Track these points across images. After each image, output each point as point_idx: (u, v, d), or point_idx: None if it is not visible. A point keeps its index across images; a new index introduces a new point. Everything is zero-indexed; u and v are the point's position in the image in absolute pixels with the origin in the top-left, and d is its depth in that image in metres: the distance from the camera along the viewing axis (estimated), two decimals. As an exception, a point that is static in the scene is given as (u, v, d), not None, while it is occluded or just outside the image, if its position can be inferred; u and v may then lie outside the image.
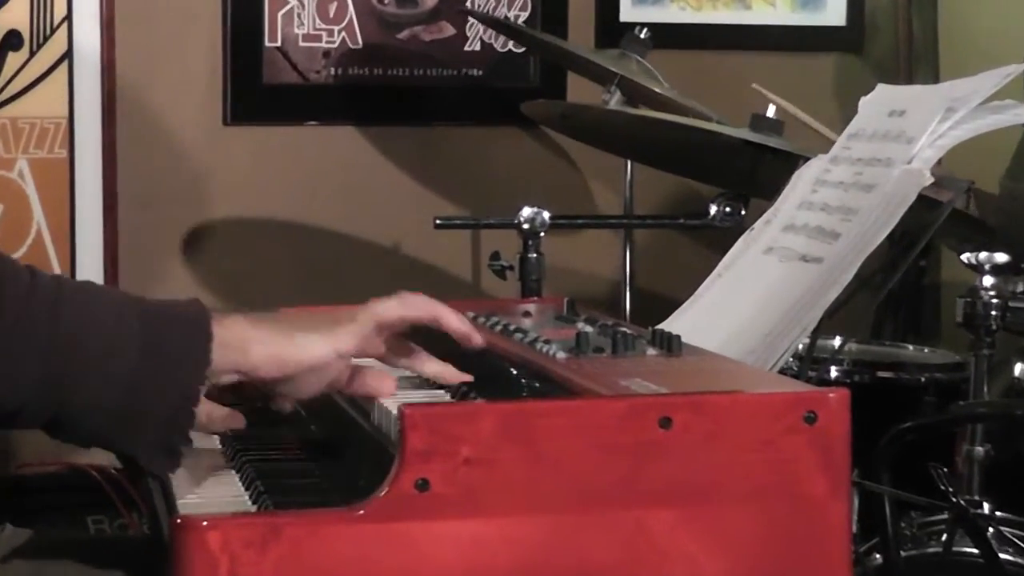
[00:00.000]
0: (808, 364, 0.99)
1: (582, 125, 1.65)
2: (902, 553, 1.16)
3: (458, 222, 1.72)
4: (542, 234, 1.40)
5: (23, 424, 0.73)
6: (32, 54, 1.75)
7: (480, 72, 1.95)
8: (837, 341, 1.40)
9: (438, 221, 1.50)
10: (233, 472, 0.83)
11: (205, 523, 0.67)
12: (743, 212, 1.39)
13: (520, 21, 1.93)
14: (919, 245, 1.05)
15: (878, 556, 1.17)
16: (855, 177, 1.02)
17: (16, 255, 1.75)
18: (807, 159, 1.12)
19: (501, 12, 1.94)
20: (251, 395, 0.87)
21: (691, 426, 0.71)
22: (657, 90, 1.54)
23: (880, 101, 1.09)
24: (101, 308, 0.73)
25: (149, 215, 1.84)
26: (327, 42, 1.89)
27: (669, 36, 1.87)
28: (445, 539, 0.69)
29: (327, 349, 0.76)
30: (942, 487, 1.10)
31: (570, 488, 0.70)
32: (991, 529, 1.17)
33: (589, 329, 0.89)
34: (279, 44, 1.88)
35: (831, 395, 0.73)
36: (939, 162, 0.98)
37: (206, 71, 1.86)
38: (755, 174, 1.37)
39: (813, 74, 2.04)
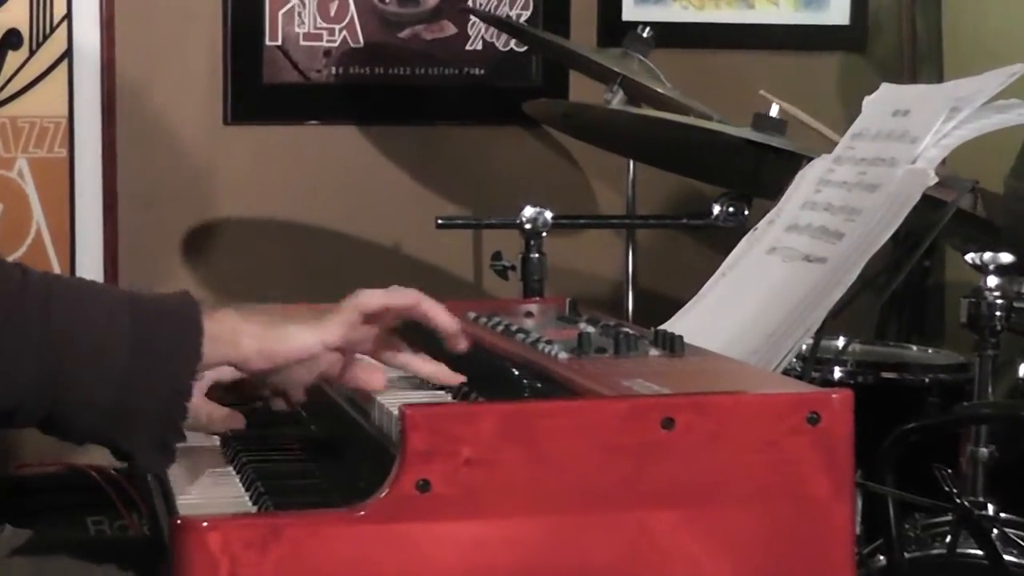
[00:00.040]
0: (812, 365, 0.99)
1: (584, 124, 1.65)
2: (906, 555, 1.16)
3: (460, 222, 1.72)
4: (544, 234, 1.40)
5: (19, 423, 0.73)
6: (32, 53, 1.75)
7: (482, 71, 1.95)
8: (841, 342, 1.40)
9: (440, 221, 1.49)
10: (233, 473, 0.84)
11: (205, 524, 0.67)
12: (746, 212, 1.39)
13: (522, 20, 1.93)
14: (923, 245, 1.05)
15: (882, 558, 1.17)
16: (859, 177, 1.02)
17: (16, 255, 1.75)
18: (810, 159, 1.12)
19: (503, 11, 1.93)
20: (251, 395, 0.86)
21: (694, 427, 0.71)
22: (659, 90, 1.54)
23: (884, 101, 1.08)
24: (92, 305, 0.73)
25: (149, 215, 1.84)
26: (328, 41, 1.89)
27: (672, 35, 1.86)
28: (446, 540, 0.69)
29: (314, 340, 0.76)
30: (946, 488, 1.09)
31: (572, 489, 0.70)
32: (995, 530, 1.16)
33: (591, 329, 0.89)
34: (280, 43, 1.87)
35: (834, 396, 0.73)
36: (944, 162, 0.98)
37: (206, 70, 1.86)
38: (758, 174, 1.37)
39: (816, 73, 2.03)
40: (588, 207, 1.98)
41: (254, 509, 0.76)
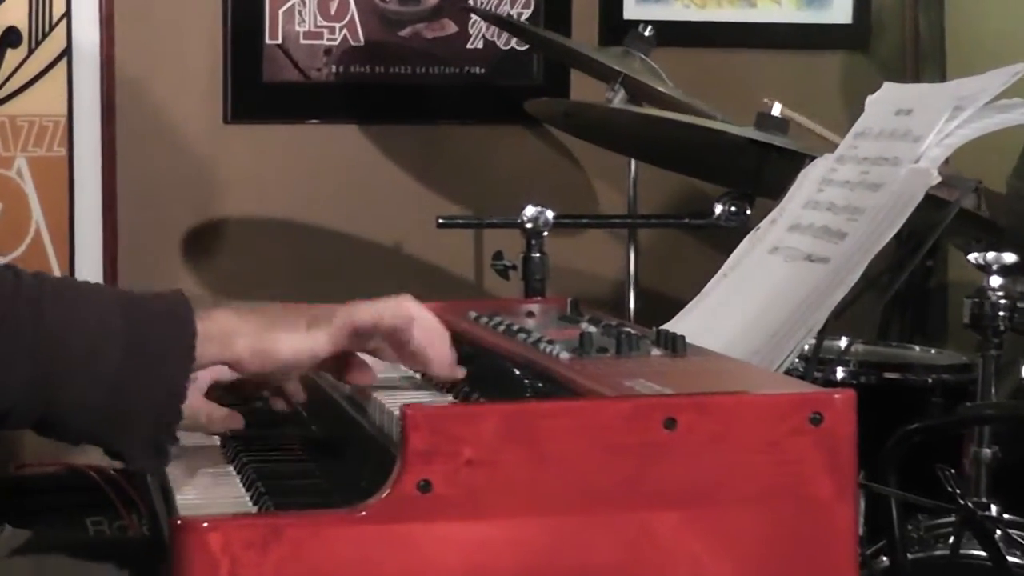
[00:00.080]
0: (814, 365, 0.98)
1: (586, 124, 1.64)
2: (909, 556, 1.16)
3: (461, 221, 1.72)
4: (545, 234, 1.40)
5: (12, 425, 0.73)
6: (31, 51, 1.75)
7: (483, 70, 1.95)
8: (843, 342, 1.40)
9: (441, 220, 1.49)
10: (234, 473, 0.83)
11: (205, 524, 0.67)
12: (748, 212, 1.38)
13: (523, 18, 1.93)
14: (926, 245, 1.04)
15: (885, 559, 1.16)
16: (862, 176, 1.01)
17: (15, 255, 1.75)
18: (813, 158, 1.11)
19: (504, 9, 1.93)
20: (251, 395, 0.86)
21: (696, 427, 0.71)
22: (661, 88, 1.53)
23: (887, 100, 1.08)
24: (84, 306, 0.73)
25: (149, 214, 1.84)
26: (328, 40, 1.89)
27: (673, 34, 1.86)
28: (447, 541, 0.69)
29: (304, 349, 0.77)
30: (949, 489, 1.09)
31: (574, 489, 0.70)
32: (999, 531, 1.16)
33: (593, 329, 0.89)
34: (280, 41, 1.87)
35: (837, 396, 0.73)
36: (947, 161, 0.98)
37: (206, 69, 1.86)
38: (760, 173, 1.37)
39: (819, 72, 2.03)
40: (590, 207, 1.98)
41: (254, 509, 0.76)
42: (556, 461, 0.70)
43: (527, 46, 1.93)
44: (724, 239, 1.27)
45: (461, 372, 0.81)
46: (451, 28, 1.93)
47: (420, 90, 1.93)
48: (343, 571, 0.68)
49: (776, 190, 1.13)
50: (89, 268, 1.77)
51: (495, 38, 1.95)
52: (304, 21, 1.88)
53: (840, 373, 1.38)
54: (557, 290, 1.40)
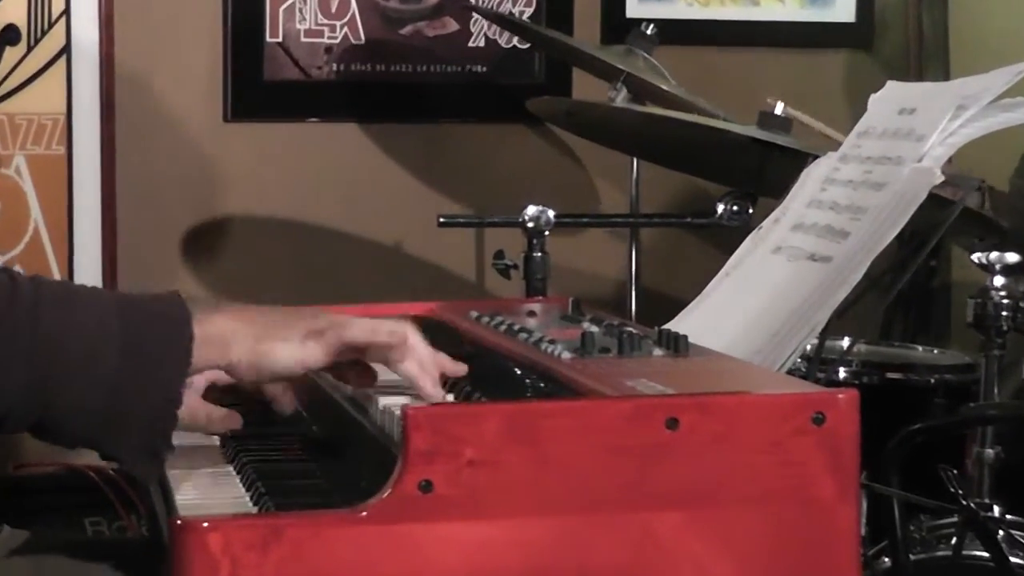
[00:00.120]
0: (816, 365, 0.98)
1: (588, 122, 1.64)
2: (911, 557, 1.15)
3: (462, 220, 1.71)
4: (547, 233, 1.40)
5: (9, 429, 0.73)
6: (30, 49, 1.74)
7: (484, 69, 1.94)
8: (846, 342, 1.39)
9: (442, 219, 1.49)
10: (234, 473, 0.83)
11: (206, 524, 0.67)
12: (751, 211, 1.38)
13: (525, 17, 1.92)
14: (929, 245, 1.04)
15: (887, 560, 1.16)
16: (865, 175, 1.01)
17: (13, 253, 1.75)
18: (816, 157, 1.11)
19: (505, 8, 1.93)
20: (251, 395, 0.86)
21: (698, 427, 0.71)
22: (664, 87, 1.53)
23: (890, 98, 1.08)
24: (81, 310, 0.73)
25: (148, 213, 1.84)
26: (329, 38, 1.89)
27: (676, 32, 1.86)
28: (449, 541, 0.69)
29: (298, 360, 0.77)
30: (952, 490, 1.09)
31: (575, 490, 0.70)
32: (1001, 532, 1.15)
33: (595, 329, 0.88)
34: (280, 40, 1.87)
35: (840, 396, 0.73)
36: (950, 160, 0.97)
37: (206, 67, 1.85)
38: (763, 172, 1.36)
39: (822, 71, 2.02)
40: (591, 206, 1.97)
41: (255, 509, 0.76)
42: (558, 461, 0.69)
43: (529, 45, 1.92)
44: (726, 238, 1.26)
45: (440, 396, 0.80)
46: (452, 26, 1.93)
47: (421, 89, 1.93)
48: (344, 571, 0.67)
49: (779, 189, 1.12)
50: (88, 267, 1.77)
51: (497, 36, 1.94)
52: (305, 19, 1.87)
53: (842, 373, 1.37)
54: (559, 290, 1.40)
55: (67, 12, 1.75)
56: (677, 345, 0.84)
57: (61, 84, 1.75)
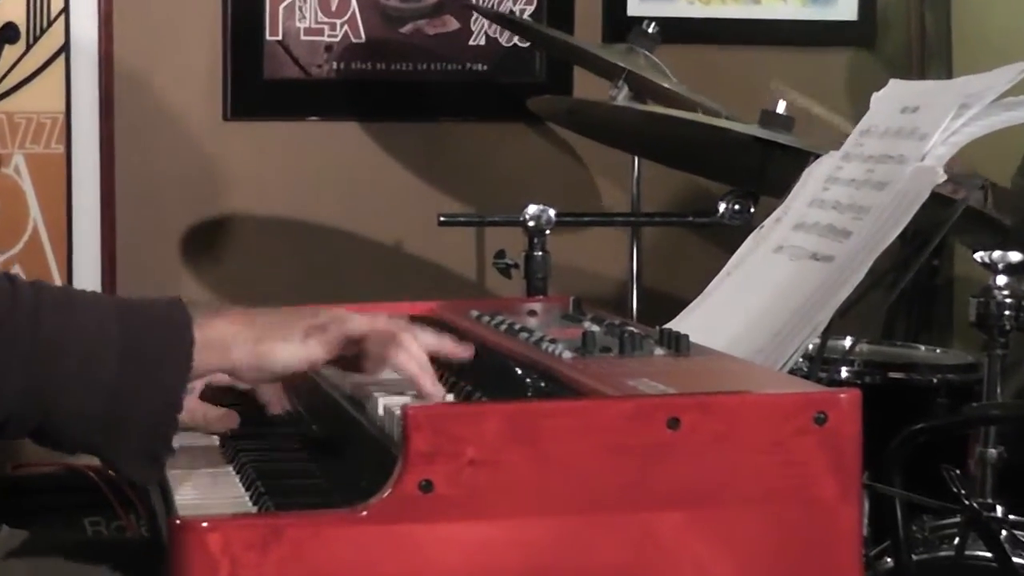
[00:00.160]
0: (818, 364, 0.98)
1: (589, 121, 1.64)
2: (913, 557, 1.15)
3: (462, 219, 1.71)
4: (548, 232, 1.39)
5: (9, 435, 0.73)
6: (29, 47, 1.74)
7: (485, 67, 1.94)
8: (848, 341, 1.39)
9: (442, 218, 1.49)
10: (233, 472, 0.83)
11: (205, 524, 0.67)
12: (752, 210, 1.38)
13: (526, 15, 1.92)
14: (932, 244, 1.04)
15: (889, 560, 1.16)
16: (867, 174, 1.01)
17: (12, 253, 1.75)
18: (818, 156, 1.10)
19: (506, 7, 1.92)
20: (248, 394, 0.86)
21: (699, 427, 0.71)
22: (666, 85, 1.53)
23: (893, 97, 1.08)
24: (81, 315, 0.73)
25: (147, 211, 1.83)
26: (329, 36, 1.88)
27: (678, 31, 1.85)
28: (449, 541, 0.68)
29: (300, 358, 0.77)
30: (954, 490, 1.08)
31: (577, 490, 0.69)
32: (1004, 532, 1.15)
33: (596, 328, 0.88)
34: (280, 38, 1.86)
35: (842, 395, 0.73)
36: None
37: (206, 65, 1.85)
38: (765, 171, 1.36)
39: (824, 69, 2.02)
40: (592, 205, 1.97)
41: (254, 509, 0.75)
42: (559, 461, 0.69)
43: (529, 43, 1.92)
44: (728, 238, 1.26)
45: (440, 394, 0.79)
46: (453, 25, 1.92)
47: (421, 87, 1.92)
48: (344, 572, 0.67)
49: (780, 188, 1.12)
50: (87, 266, 1.77)
51: (497, 35, 1.94)
52: (305, 17, 1.87)
53: (844, 373, 1.37)
54: (559, 289, 1.40)
55: (66, 10, 1.75)
56: (678, 344, 0.84)
57: (60, 82, 1.75)
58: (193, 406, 0.80)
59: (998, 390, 1.25)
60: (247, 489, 0.79)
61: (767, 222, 1.07)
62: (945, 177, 0.95)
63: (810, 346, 0.94)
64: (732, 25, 2.00)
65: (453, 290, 1.89)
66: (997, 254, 1.22)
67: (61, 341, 0.71)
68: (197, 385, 0.82)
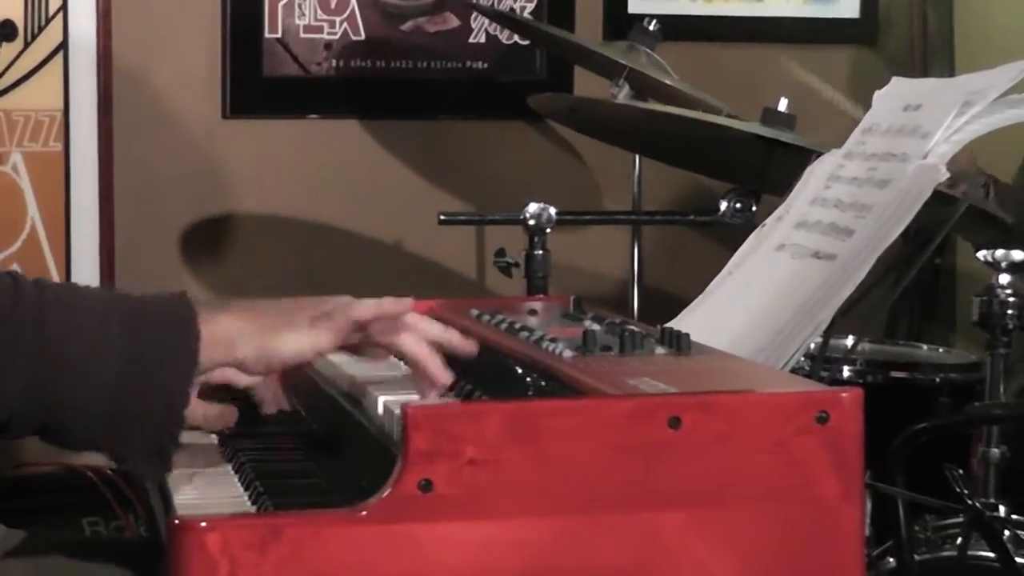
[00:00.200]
0: (820, 363, 0.97)
1: (590, 119, 1.63)
2: (916, 557, 1.14)
3: (463, 218, 1.71)
4: (548, 230, 1.39)
5: (13, 434, 0.73)
6: (27, 45, 1.74)
7: (485, 65, 1.94)
8: (850, 340, 1.39)
9: (442, 217, 1.48)
10: (232, 472, 0.83)
11: (204, 524, 0.66)
12: (754, 208, 1.37)
13: (526, 13, 1.91)
14: (934, 242, 1.03)
15: (892, 560, 1.15)
16: (869, 173, 1.01)
17: (10, 251, 1.74)
18: (820, 154, 1.10)
19: (506, 5, 1.92)
20: (246, 391, 0.85)
21: (701, 426, 0.70)
22: (668, 82, 1.52)
23: (895, 95, 1.07)
24: (84, 313, 0.72)
25: (146, 210, 1.83)
26: (328, 33, 1.88)
27: (679, 28, 1.85)
28: (449, 541, 0.68)
29: (308, 348, 0.77)
30: (957, 489, 1.08)
31: (577, 489, 0.69)
32: (1007, 532, 1.15)
33: (596, 327, 0.88)
34: (279, 35, 1.86)
35: (844, 395, 0.72)
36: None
37: (205, 63, 1.85)
38: (767, 169, 1.36)
39: (826, 67, 2.01)
40: (593, 203, 1.97)
41: (253, 509, 0.75)
42: (559, 461, 0.69)
43: (530, 41, 1.91)
44: (729, 236, 1.26)
45: (446, 379, 0.79)
46: (453, 22, 1.92)
47: (421, 85, 1.92)
48: (343, 572, 0.67)
49: (782, 187, 1.12)
50: (85, 264, 1.77)
51: (498, 33, 1.93)
52: (304, 15, 1.87)
53: (846, 372, 1.37)
54: (560, 288, 1.40)
55: (64, 7, 1.74)
56: (680, 343, 0.84)
57: (58, 80, 1.75)
58: (192, 404, 0.80)
59: (1001, 389, 1.24)
60: (246, 489, 0.78)
61: (769, 220, 1.07)
62: (948, 175, 0.95)
63: (812, 345, 0.94)
64: (734, 22, 2.00)
65: (453, 289, 1.89)
66: (1000, 252, 1.22)
67: (65, 339, 0.71)
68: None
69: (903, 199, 0.95)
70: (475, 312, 0.98)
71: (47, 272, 1.74)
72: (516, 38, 1.93)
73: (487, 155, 1.95)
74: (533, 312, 1.01)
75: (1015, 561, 1.09)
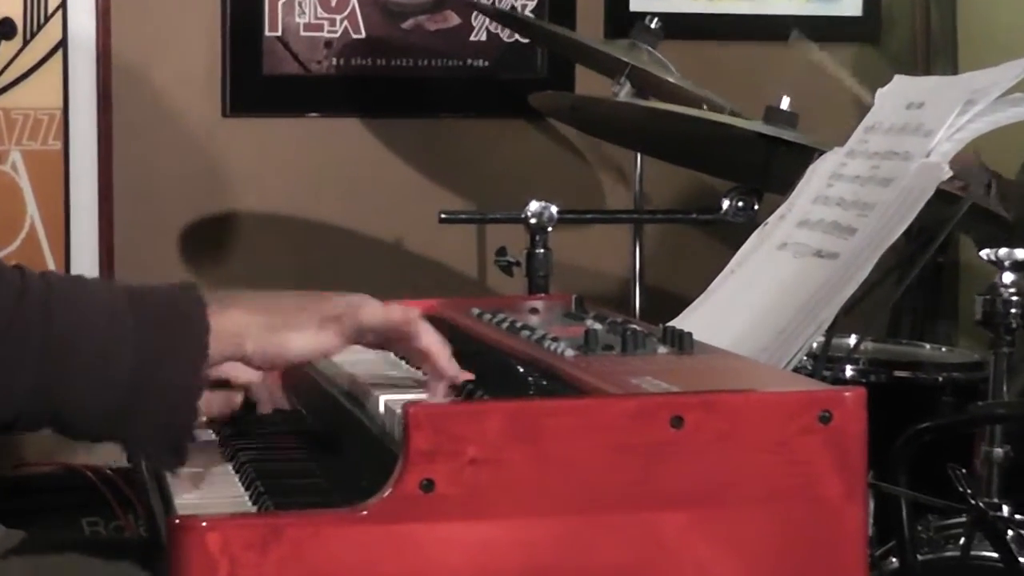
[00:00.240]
0: (823, 363, 0.97)
1: (591, 117, 1.63)
2: (919, 557, 1.14)
3: (463, 217, 1.70)
4: (550, 229, 1.39)
5: (22, 430, 0.73)
6: (26, 43, 1.74)
7: (486, 63, 1.93)
8: (852, 340, 1.39)
9: (443, 216, 1.48)
10: (232, 472, 0.82)
11: (204, 524, 0.66)
12: (756, 207, 1.37)
13: (527, 11, 1.91)
14: (937, 241, 1.03)
15: (894, 560, 1.15)
16: (872, 171, 1.00)
17: (9, 250, 1.74)
18: (822, 152, 1.10)
19: (507, 3, 1.91)
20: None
21: (703, 426, 0.70)
22: (670, 80, 1.52)
23: (898, 93, 1.07)
24: (93, 307, 0.72)
25: (145, 209, 1.83)
26: (329, 32, 1.88)
27: (681, 26, 1.85)
28: (450, 541, 0.68)
29: (314, 349, 0.77)
30: (960, 489, 1.08)
31: (579, 489, 0.69)
32: (1010, 532, 1.14)
33: (598, 326, 0.87)
34: (279, 33, 1.86)
35: (847, 394, 0.72)
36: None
37: (205, 61, 1.84)
38: (769, 168, 1.35)
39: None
40: (595, 201, 1.97)
41: (254, 509, 0.75)
42: (561, 460, 0.69)
43: (531, 39, 1.91)
44: (731, 235, 1.25)
45: (465, 373, 0.79)
46: (454, 20, 1.92)
47: (422, 83, 1.92)
48: (344, 572, 0.67)
49: (784, 185, 1.12)
50: (85, 263, 1.77)
51: (498, 31, 1.93)
52: (304, 13, 1.86)
53: (849, 371, 1.37)
54: (561, 287, 1.39)
55: (63, 5, 1.74)
56: (682, 343, 0.84)
57: (57, 78, 1.75)
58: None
59: (1004, 388, 1.24)
60: (246, 488, 0.78)
61: (771, 219, 1.07)
62: (951, 174, 0.95)
63: (814, 344, 0.93)
64: (735, 21, 2.00)
65: (454, 288, 1.88)
66: (1003, 251, 1.21)
67: (73, 337, 0.70)
68: None
69: (906, 197, 0.94)
70: (476, 311, 0.97)
71: (46, 271, 1.74)
72: (517, 36, 1.93)
73: (488, 153, 1.95)
74: (534, 311, 1.00)
75: (1018, 561, 1.09)
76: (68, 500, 1.64)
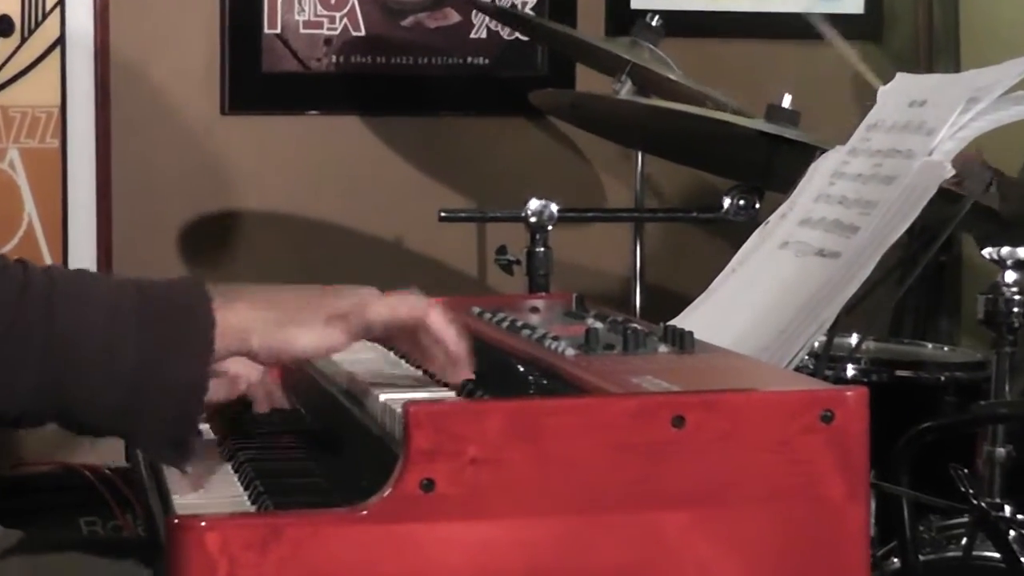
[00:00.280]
0: (824, 362, 0.97)
1: (592, 115, 1.63)
2: (921, 557, 1.14)
3: (463, 215, 1.70)
4: (550, 228, 1.38)
5: (27, 425, 0.73)
6: (23, 40, 1.73)
7: (486, 61, 1.93)
8: (854, 339, 1.38)
9: (443, 214, 1.48)
10: (232, 471, 0.82)
11: (203, 524, 0.66)
12: (757, 205, 1.37)
13: (527, 8, 1.91)
14: (939, 240, 1.03)
15: (896, 560, 1.15)
16: (874, 169, 1.00)
17: (7, 248, 1.74)
18: (824, 151, 1.09)
19: (507, 0, 1.91)
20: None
21: (704, 425, 0.70)
22: (672, 77, 1.51)
23: (900, 91, 1.07)
24: (97, 302, 0.71)
25: (144, 206, 1.83)
26: (328, 29, 1.87)
27: (682, 24, 1.85)
28: (451, 541, 0.68)
29: (320, 346, 0.76)
30: (962, 489, 1.07)
31: (580, 489, 0.69)
32: (1012, 532, 1.14)
33: (599, 325, 0.87)
34: (279, 31, 1.86)
35: (849, 393, 0.72)
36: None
37: (204, 58, 1.84)
38: (770, 166, 1.35)
39: (830, 63, 2.00)
40: (595, 200, 1.96)
41: (253, 509, 0.75)
42: (562, 460, 0.68)
43: (531, 36, 1.91)
44: (733, 233, 1.25)
45: (467, 373, 0.79)
46: (454, 18, 1.91)
47: (422, 81, 1.91)
48: (344, 572, 0.66)
49: (786, 183, 1.11)
50: (83, 261, 1.76)
51: (499, 28, 1.93)
52: (304, 10, 1.86)
53: (851, 371, 1.36)
54: (562, 285, 1.39)
55: (61, 2, 1.74)
56: (683, 342, 0.83)
57: (55, 76, 1.74)
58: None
59: (1006, 388, 1.23)
60: (246, 488, 0.78)
61: (772, 218, 1.06)
62: (953, 172, 0.94)
63: (816, 343, 0.93)
64: (737, 18, 1.99)
65: (454, 287, 1.88)
66: (1006, 250, 1.21)
67: (76, 333, 0.70)
68: None
69: (908, 196, 0.94)
70: (476, 310, 0.97)
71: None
72: (517, 34, 1.92)
73: (488, 151, 1.94)
74: (535, 310, 1.00)
75: (1020, 561, 1.09)
76: (66, 500, 1.64)
